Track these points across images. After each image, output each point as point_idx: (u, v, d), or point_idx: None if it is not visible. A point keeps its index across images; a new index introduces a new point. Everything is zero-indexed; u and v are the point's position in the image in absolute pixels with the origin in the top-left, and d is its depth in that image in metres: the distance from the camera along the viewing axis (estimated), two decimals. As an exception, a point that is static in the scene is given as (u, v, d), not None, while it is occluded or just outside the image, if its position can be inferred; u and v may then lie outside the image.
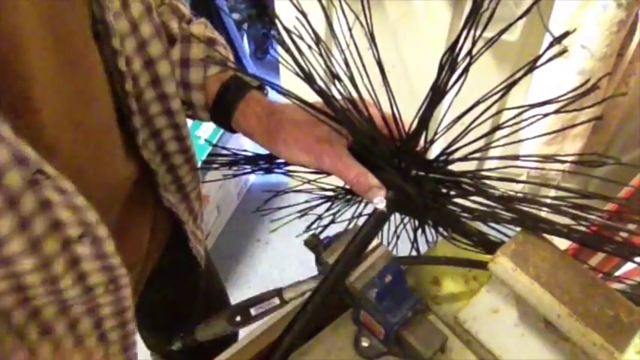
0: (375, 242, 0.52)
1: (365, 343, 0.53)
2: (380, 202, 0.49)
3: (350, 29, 0.48)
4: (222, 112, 0.57)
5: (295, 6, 0.48)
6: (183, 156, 0.62)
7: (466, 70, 0.44)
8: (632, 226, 0.47)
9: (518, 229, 0.50)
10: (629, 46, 1.09)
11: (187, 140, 0.61)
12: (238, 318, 0.54)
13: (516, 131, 0.49)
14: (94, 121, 0.46)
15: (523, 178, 1.12)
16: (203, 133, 1.62)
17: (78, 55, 0.42)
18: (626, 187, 0.91)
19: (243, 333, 0.57)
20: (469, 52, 0.43)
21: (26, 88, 0.36)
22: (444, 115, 0.51)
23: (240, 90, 0.56)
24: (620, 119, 1.24)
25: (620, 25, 1.03)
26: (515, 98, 1.30)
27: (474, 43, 0.43)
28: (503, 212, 0.49)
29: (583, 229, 0.47)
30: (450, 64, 0.44)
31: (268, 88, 0.59)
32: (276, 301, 0.53)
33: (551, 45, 0.42)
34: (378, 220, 0.50)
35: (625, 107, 1.22)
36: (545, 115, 0.46)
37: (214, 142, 1.59)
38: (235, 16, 2.31)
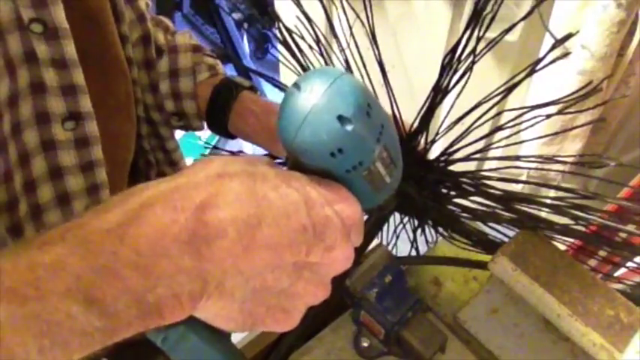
0: (375, 242, 0.52)
1: (365, 343, 0.53)
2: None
3: (350, 28, 0.48)
4: (218, 116, 0.57)
5: (297, 5, 0.48)
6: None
7: (470, 69, 0.45)
8: (631, 227, 0.47)
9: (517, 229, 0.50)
10: (629, 46, 1.09)
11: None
12: (238, 318, 0.53)
13: (517, 133, 0.49)
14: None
15: (523, 178, 1.12)
16: (202, 134, 1.62)
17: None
18: (626, 188, 0.91)
19: (244, 333, 0.57)
20: (472, 52, 0.43)
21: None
22: (446, 117, 0.51)
23: (232, 91, 0.56)
24: (620, 119, 1.24)
25: (620, 25, 1.03)
26: (515, 97, 1.30)
27: (476, 44, 0.43)
28: (503, 212, 0.49)
29: (582, 229, 0.47)
30: (452, 65, 0.44)
31: (271, 87, 0.59)
32: (276, 301, 0.52)
33: (553, 47, 0.42)
34: (377, 220, 0.50)
35: (625, 107, 1.22)
36: (548, 117, 0.47)
37: (213, 144, 1.59)
38: (235, 15, 2.31)
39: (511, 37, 1.29)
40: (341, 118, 0.25)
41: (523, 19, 0.43)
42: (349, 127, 0.25)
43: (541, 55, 0.42)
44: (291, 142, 0.26)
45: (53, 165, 0.42)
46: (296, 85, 0.26)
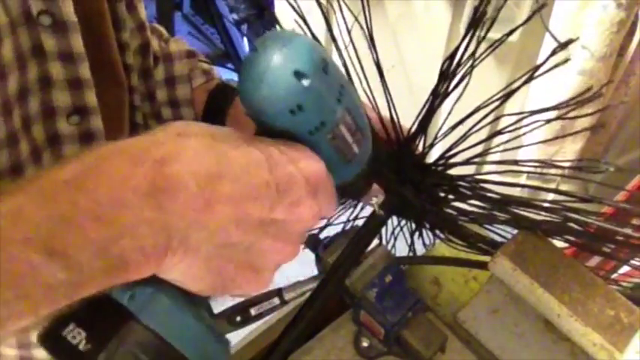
0: (375, 242, 0.52)
1: (365, 343, 0.53)
2: (376, 205, 0.49)
3: (349, 30, 0.48)
4: (213, 121, 0.57)
5: (294, 9, 0.48)
6: None
7: (468, 73, 0.45)
8: (628, 229, 0.47)
9: (515, 231, 0.50)
10: (629, 46, 1.09)
11: None
12: (238, 318, 0.54)
13: (517, 137, 0.49)
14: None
15: (522, 178, 1.12)
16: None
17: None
18: (623, 192, 0.91)
19: (244, 333, 0.57)
20: (472, 55, 0.43)
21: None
22: (445, 120, 0.51)
23: (228, 95, 0.56)
24: (620, 119, 1.24)
25: (620, 25, 1.03)
26: (516, 97, 1.30)
27: (476, 48, 0.43)
28: (501, 214, 0.49)
29: (580, 229, 0.47)
30: (450, 70, 0.44)
31: None
32: (276, 301, 0.52)
33: (554, 52, 0.42)
34: (375, 223, 0.50)
35: (625, 107, 1.22)
36: (548, 121, 0.47)
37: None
38: (235, 16, 2.31)
39: (511, 37, 1.29)
40: (297, 74, 0.26)
41: (523, 23, 0.43)
42: (306, 82, 0.26)
43: (541, 55, 0.42)
44: (251, 102, 0.27)
45: (58, 160, 0.42)
46: (254, 48, 0.27)
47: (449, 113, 0.49)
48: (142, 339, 0.25)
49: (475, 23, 0.42)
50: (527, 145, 0.52)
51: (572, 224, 0.47)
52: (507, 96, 0.46)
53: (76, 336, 0.24)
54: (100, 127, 0.43)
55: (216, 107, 0.57)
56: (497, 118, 0.48)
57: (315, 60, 0.26)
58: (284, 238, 0.28)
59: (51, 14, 0.37)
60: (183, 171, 0.24)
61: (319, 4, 0.48)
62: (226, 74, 0.64)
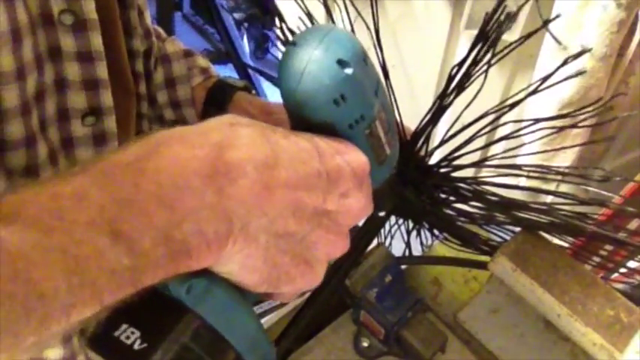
0: (375, 243, 0.52)
1: (365, 343, 0.53)
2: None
3: (352, 26, 0.48)
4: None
5: (300, 6, 0.48)
6: None
7: (481, 76, 0.45)
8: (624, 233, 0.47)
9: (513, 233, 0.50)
10: (629, 46, 1.09)
11: None
12: (238, 318, 0.54)
13: (519, 146, 0.49)
14: None
15: (522, 179, 1.11)
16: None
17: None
18: (617, 196, 0.91)
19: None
20: (487, 52, 0.43)
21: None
22: (452, 126, 0.51)
23: (227, 92, 0.56)
24: (620, 119, 1.24)
25: (620, 25, 1.03)
26: (516, 96, 1.30)
27: (489, 55, 0.43)
28: (500, 215, 0.50)
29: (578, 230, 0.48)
30: (459, 77, 0.44)
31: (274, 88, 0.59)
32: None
33: (565, 62, 0.42)
34: (375, 223, 0.50)
35: (625, 107, 1.22)
36: (558, 131, 0.47)
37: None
38: (236, 15, 2.31)
39: (511, 37, 1.28)
40: (340, 62, 0.26)
41: (531, 34, 0.43)
42: (349, 71, 0.26)
43: (541, 54, 0.42)
44: (294, 94, 0.27)
45: (72, 162, 0.41)
46: (292, 43, 0.27)
47: (456, 119, 0.49)
48: (199, 332, 0.25)
49: (486, 34, 0.42)
50: (529, 154, 0.53)
51: (570, 225, 0.47)
52: (513, 105, 0.46)
53: (130, 336, 0.24)
54: (113, 129, 0.42)
55: (215, 104, 0.57)
56: (499, 125, 0.48)
57: (357, 49, 0.27)
58: (335, 229, 0.28)
59: (73, 13, 0.36)
60: (240, 156, 0.24)
61: (325, 3, 0.48)
62: (226, 73, 0.64)
